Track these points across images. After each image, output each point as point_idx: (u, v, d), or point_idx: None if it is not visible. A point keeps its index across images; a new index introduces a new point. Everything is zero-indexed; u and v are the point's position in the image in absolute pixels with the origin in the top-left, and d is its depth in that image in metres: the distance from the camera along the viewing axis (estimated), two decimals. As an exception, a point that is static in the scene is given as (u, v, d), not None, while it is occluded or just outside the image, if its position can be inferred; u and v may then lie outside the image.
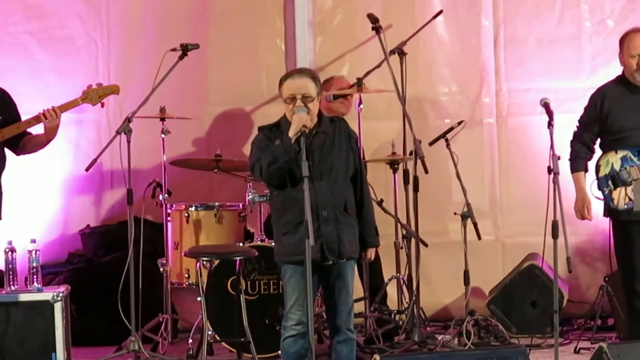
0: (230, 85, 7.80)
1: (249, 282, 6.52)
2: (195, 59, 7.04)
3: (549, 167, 5.57)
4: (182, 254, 6.64)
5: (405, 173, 7.02)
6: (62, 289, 6.20)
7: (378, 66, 7.03)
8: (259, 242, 6.71)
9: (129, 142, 6.36)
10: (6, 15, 7.67)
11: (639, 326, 6.32)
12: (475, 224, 6.62)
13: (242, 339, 6.13)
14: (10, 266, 6.07)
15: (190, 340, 6.60)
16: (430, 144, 7.03)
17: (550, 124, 5.70)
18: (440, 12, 7.60)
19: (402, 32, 7.33)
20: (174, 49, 6.59)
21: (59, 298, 6.02)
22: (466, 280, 6.75)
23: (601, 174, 6.38)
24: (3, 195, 6.23)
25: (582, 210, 6.47)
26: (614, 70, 6.55)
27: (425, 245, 6.82)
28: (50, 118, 6.11)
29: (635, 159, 6.30)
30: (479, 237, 6.66)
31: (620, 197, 6.31)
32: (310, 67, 7.09)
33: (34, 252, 6.09)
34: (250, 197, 6.75)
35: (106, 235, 7.59)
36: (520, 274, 7.23)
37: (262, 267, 6.54)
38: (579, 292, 7.69)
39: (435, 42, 7.84)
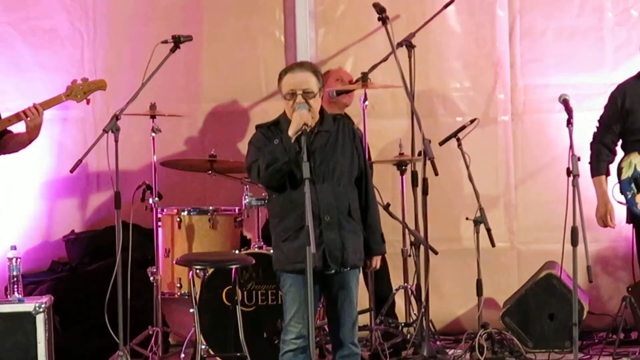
0: (226, 80, 7.75)
1: (245, 293, 6.50)
2: (188, 52, 7.04)
3: (568, 169, 5.54)
4: (174, 262, 6.58)
5: (414, 175, 6.95)
6: (45, 299, 6.18)
7: (385, 60, 6.97)
8: (256, 249, 6.69)
9: (116, 141, 6.18)
10: (-16, 5, 7.77)
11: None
12: (488, 230, 6.58)
13: (238, 354, 6.07)
14: (-12, 275, 6.05)
15: (182, 355, 6.61)
16: (441, 143, 6.96)
17: (569, 122, 5.66)
18: (452, 1, 7.49)
19: (410, 23, 7.33)
20: (165, 41, 6.46)
21: (41, 309, 6.00)
22: (479, 291, 6.71)
23: (623, 176, 6.40)
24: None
25: (604, 216, 6.50)
26: (639, 64, 6.59)
27: (435, 252, 6.76)
28: (32, 116, 6.09)
29: (659, 160, 6.42)
30: (493, 244, 6.62)
31: (645, 201, 6.42)
32: (311, 61, 7.05)
33: (14, 259, 6.06)
34: (247, 200, 6.70)
35: (92, 242, 7.54)
36: (537, 283, 7.12)
37: (259, 276, 6.52)
38: (600, 304, 7.60)
39: (447, 33, 7.76)
